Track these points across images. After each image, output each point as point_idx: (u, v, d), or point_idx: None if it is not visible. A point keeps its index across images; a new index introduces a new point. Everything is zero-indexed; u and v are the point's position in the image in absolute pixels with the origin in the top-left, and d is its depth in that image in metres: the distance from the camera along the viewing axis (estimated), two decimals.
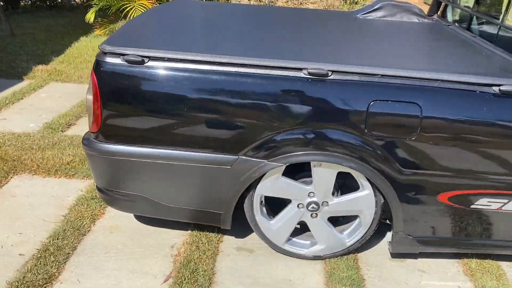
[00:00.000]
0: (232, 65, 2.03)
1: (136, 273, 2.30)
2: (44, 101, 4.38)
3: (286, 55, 2.14)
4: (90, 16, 6.37)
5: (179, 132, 2.13)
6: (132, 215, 2.72)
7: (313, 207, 2.28)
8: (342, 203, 2.28)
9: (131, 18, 6.26)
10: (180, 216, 2.41)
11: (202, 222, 2.43)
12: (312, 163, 2.18)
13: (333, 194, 2.28)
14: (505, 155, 2.05)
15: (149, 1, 6.32)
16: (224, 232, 2.58)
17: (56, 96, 4.51)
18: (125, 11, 6.29)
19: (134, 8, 6.25)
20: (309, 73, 2.02)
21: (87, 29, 6.78)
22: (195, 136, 2.13)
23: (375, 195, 2.23)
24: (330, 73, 2.02)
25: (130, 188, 2.31)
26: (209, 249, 2.46)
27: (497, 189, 2.13)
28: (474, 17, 3.05)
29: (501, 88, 1.98)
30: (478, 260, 2.48)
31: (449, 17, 3.41)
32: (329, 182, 2.23)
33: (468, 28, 3.04)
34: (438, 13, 3.46)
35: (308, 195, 2.27)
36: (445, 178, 2.12)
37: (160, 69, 2.06)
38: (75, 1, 8.96)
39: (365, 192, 2.23)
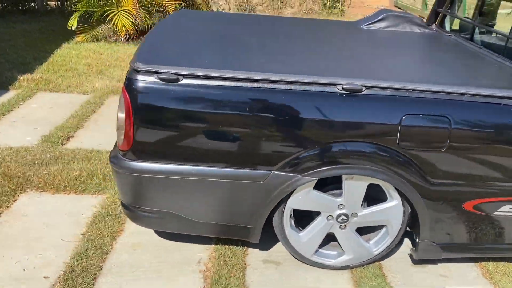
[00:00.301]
0: (268, 82, 2.05)
1: None
2: (35, 112, 4.24)
3: (319, 71, 2.17)
4: (73, 22, 6.21)
5: (213, 148, 2.13)
6: (151, 230, 2.68)
7: (342, 219, 2.33)
8: (371, 214, 2.34)
9: (115, 24, 6.17)
10: (209, 231, 2.41)
11: (230, 237, 2.44)
12: (343, 176, 2.22)
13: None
14: None
15: (132, 7, 6.23)
16: (248, 245, 2.59)
17: (47, 107, 4.38)
18: (109, 17, 6.18)
19: (118, 14, 6.15)
20: (344, 89, 2.06)
21: (67, 34, 6.60)
22: (229, 152, 2.13)
23: (403, 205, 2.30)
24: (364, 88, 2.07)
25: (159, 205, 2.29)
26: (237, 263, 2.46)
27: None
28: (476, 28, 3.18)
29: None
30: (494, 263, 2.59)
31: (447, 27, 3.53)
32: (359, 194, 2.28)
33: (471, 39, 3.17)
34: (436, 23, 3.57)
35: (338, 207, 2.31)
36: (471, 188, 2.21)
37: (194, 86, 2.05)
38: (49, 5, 8.69)
39: (394, 203, 2.29)
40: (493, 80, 2.31)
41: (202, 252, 2.56)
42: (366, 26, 3.36)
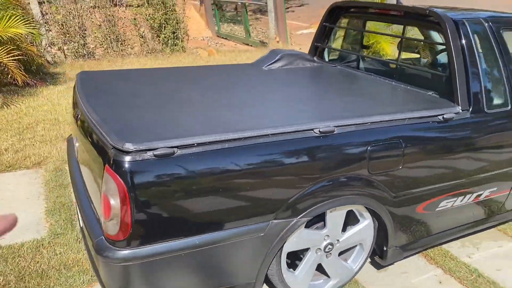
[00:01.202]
0: (260, 137, 2.12)
1: None
2: None
3: (293, 119, 2.33)
4: None
5: (215, 213, 2.09)
6: None
7: (329, 248, 2.52)
8: (350, 237, 2.59)
9: None
10: None
11: None
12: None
13: None
14: (454, 164, 2.68)
15: None
16: None
17: None
18: None
19: None
20: (320, 132, 2.26)
21: None
22: (231, 214, 2.13)
23: (373, 222, 2.61)
24: (335, 129, 2.30)
25: None
26: None
27: (450, 192, 2.76)
28: (360, 58, 3.76)
29: (444, 116, 2.61)
30: (431, 250, 3.10)
31: (326, 58, 4.05)
32: (340, 222, 2.51)
33: (358, 68, 3.72)
34: (317, 55, 4.05)
35: (324, 239, 2.49)
36: (422, 192, 2.64)
37: (191, 156, 1.99)
38: None
39: (367, 222, 2.59)
40: (414, 103, 2.79)
41: None
42: (267, 67, 3.64)
